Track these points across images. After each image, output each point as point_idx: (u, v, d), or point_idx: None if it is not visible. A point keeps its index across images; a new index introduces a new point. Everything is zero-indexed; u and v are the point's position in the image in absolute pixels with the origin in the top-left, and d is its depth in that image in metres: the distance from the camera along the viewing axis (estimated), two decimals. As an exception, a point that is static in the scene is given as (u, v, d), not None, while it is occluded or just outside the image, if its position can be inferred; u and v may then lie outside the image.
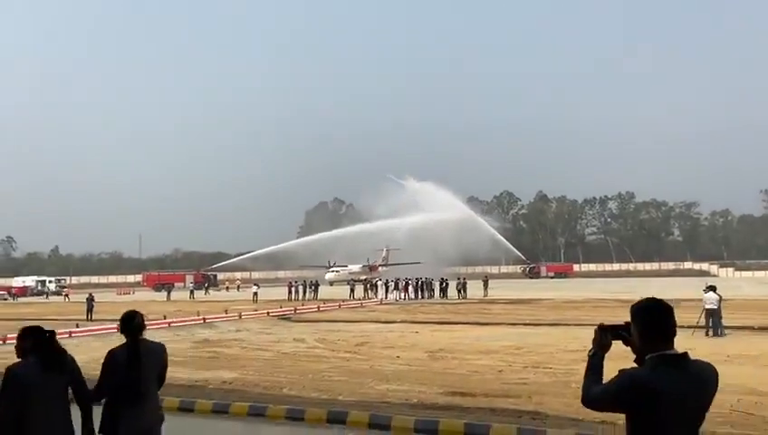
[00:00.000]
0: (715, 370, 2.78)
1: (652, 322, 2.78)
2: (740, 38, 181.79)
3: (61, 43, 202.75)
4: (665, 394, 2.55)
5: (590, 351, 3.00)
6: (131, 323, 4.67)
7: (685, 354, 2.70)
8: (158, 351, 4.80)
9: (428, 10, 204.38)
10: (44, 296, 68.25)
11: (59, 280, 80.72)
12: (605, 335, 2.98)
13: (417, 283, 46.04)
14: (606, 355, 3.02)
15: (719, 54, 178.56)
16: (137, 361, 4.55)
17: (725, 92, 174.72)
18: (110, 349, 4.63)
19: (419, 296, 44.46)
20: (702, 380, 2.69)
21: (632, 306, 2.91)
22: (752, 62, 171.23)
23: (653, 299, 2.87)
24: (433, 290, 45.59)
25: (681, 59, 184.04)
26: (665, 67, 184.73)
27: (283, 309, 31.74)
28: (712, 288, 17.93)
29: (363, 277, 65.01)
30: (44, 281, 78.84)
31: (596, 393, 2.78)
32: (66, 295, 65.05)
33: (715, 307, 17.45)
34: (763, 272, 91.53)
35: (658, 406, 2.55)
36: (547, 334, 18.73)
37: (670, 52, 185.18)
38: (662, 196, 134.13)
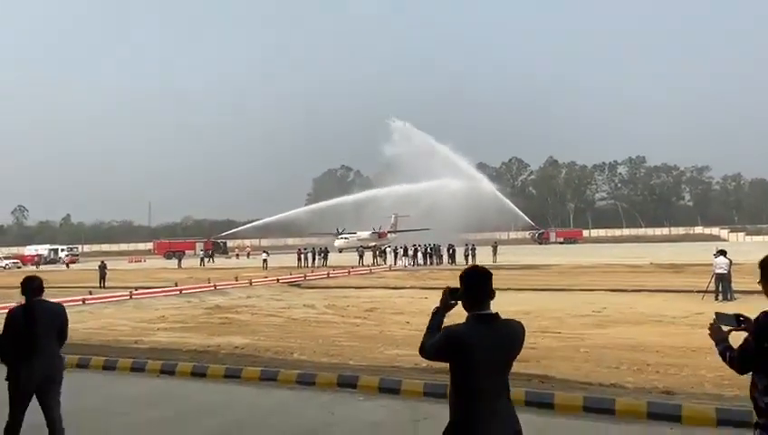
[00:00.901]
0: (523, 328, 3.27)
1: (470, 286, 3.24)
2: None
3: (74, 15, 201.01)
4: (476, 346, 3.04)
5: (434, 308, 3.39)
6: (29, 285, 5.27)
7: (495, 314, 3.17)
8: (57, 311, 5.41)
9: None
10: (63, 264, 68.94)
11: (71, 248, 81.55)
12: (449, 296, 3.34)
13: (425, 249, 46.15)
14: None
15: (732, 14, 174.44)
16: (32, 319, 5.15)
17: (738, 55, 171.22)
18: (9, 308, 5.29)
19: (428, 263, 44.62)
20: (508, 335, 3.18)
21: (461, 273, 3.37)
22: (765, 21, 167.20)
23: (474, 266, 3.38)
24: (441, 256, 45.70)
25: (692, 20, 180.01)
26: (674, 28, 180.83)
27: (293, 276, 31.99)
28: (722, 253, 17.84)
29: (372, 244, 65.20)
30: (57, 249, 79.75)
31: (428, 345, 3.22)
32: (67, 264, 65.80)
33: (725, 272, 17.39)
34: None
35: (470, 356, 3.04)
36: (556, 300, 18.78)
37: (681, 12, 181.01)
38: (673, 160, 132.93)
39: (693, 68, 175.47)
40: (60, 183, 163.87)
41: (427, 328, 3.30)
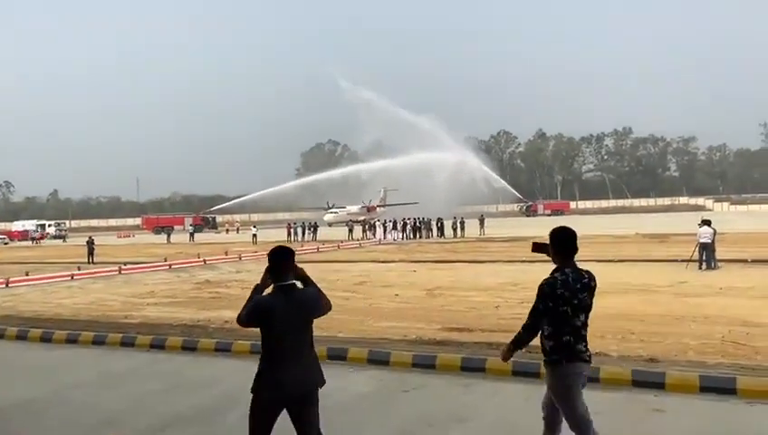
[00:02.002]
0: (317, 294, 4.00)
1: (272, 262, 3.93)
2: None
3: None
4: (277, 311, 3.77)
5: (255, 285, 3.96)
6: None
7: (292, 284, 3.92)
8: None
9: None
10: (62, 240, 68.72)
11: (58, 224, 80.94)
12: (265, 276, 3.95)
13: (414, 223, 46.27)
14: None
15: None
16: None
17: (724, 24, 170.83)
18: None
19: (417, 236, 44.78)
20: (302, 301, 3.91)
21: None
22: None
23: (278, 247, 4.03)
24: (431, 230, 45.86)
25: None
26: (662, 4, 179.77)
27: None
28: (706, 222, 18.04)
29: (362, 218, 65.24)
30: (44, 225, 79.09)
31: (243, 315, 3.87)
32: (36, 240, 65.37)
33: (709, 241, 17.61)
34: (758, 206, 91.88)
35: (273, 318, 3.77)
36: (542, 271, 18.53)
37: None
38: (660, 131, 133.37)
39: (679, 39, 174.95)
40: (46, 158, 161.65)
41: (246, 301, 3.91)
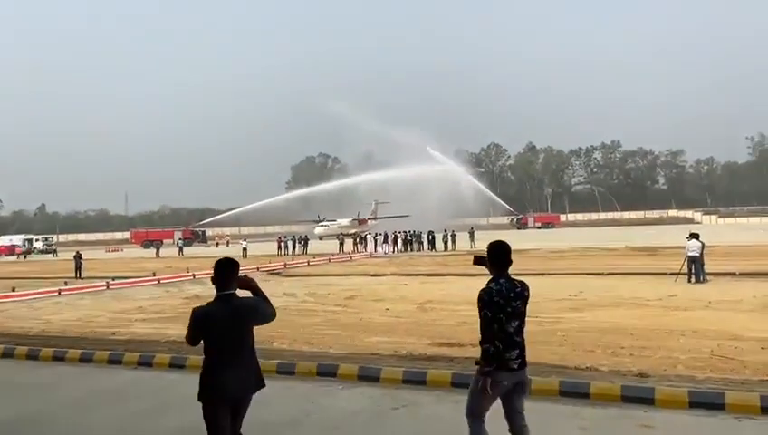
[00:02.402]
0: (255, 302, 4.27)
1: (216, 273, 4.24)
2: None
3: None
4: (215, 317, 4.08)
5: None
6: None
7: (233, 293, 4.19)
8: None
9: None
10: (53, 254, 68.08)
11: (46, 238, 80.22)
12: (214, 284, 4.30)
13: (405, 236, 46.27)
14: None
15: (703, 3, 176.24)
16: None
17: (710, 39, 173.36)
18: None
19: (408, 249, 44.77)
20: (241, 309, 4.19)
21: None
22: (738, 9, 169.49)
23: (223, 259, 4.28)
24: (422, 243, 45.86)
25: (667, 6, 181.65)
26: (652, 15, 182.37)
27: (273, 264, 31.87)
28: (695, 236, 18.16)
29: (353, 231, 65.15)
30: (31, 239, 78.35)
31: (187, 334, 4.15)
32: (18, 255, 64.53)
33: (697, 254, 17.72)
34: (746, 218, 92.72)
35: (212, 326, 4.07)
36: (534, 284, 18.58)
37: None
38: (649, 144, 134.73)
39: (666, 52, 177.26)
40: (34, 172, 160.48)
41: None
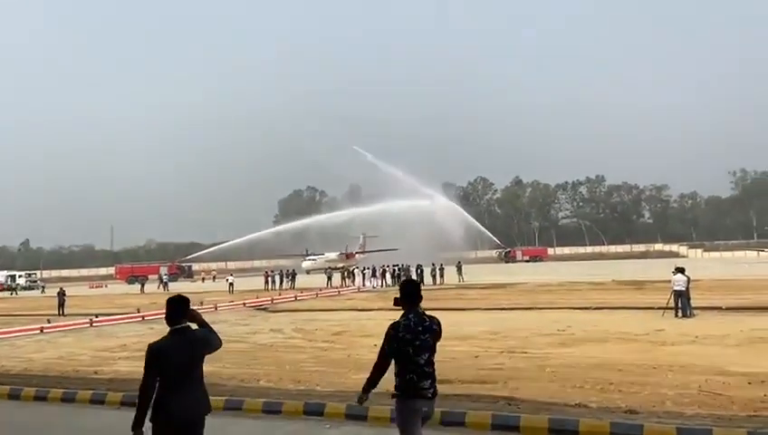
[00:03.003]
0: (206, 334, 4.56)
1: (168, 309, 4.50)
2: (706, 23, 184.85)
3: (26, 30, 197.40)
4: (170, 350, 4.33)
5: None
6: None
7: (186, 326, 4.47)
8: None
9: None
10: (41, 291, 66.67)
11: (29, 274, 79.11)
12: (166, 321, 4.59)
13: (394, 270, 46.17)
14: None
15: (687, 38, 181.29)
16: None
17: (693, 75, 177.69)
18: None
19: (397, 283, 44.59)
20: (194, 341, 4.48)
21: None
22: (717, 46, 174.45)
23: (174, 296, 4.57)
24: (409, 276, 45.71)
25: (649, 43, 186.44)
26: (633, 52, 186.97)
27: (260, 299, 31.60)
28: (680, 270, 18.29)
29: (340, 265, 64.95)
30: (14, 275, 77.24)
31: (143, 377, 4.33)
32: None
33: (683, 289, 17.83)
34: (730, 253, 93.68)
35: (167, 358, 4.30)
36: (522, 319, 18.98)
37: (637, 35, 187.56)
38: (633, 179, 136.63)
39: (647, 90, 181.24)
40: (18, 207, 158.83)
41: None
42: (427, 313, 4.82)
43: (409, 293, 4.78)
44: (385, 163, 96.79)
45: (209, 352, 4.59)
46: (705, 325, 15.64)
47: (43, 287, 68.12)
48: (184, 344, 4.41)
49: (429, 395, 4.62)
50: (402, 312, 4.78)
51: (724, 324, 15.67)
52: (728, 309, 19.04)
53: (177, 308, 4.53)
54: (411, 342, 4.57)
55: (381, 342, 4.67)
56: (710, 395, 8.26)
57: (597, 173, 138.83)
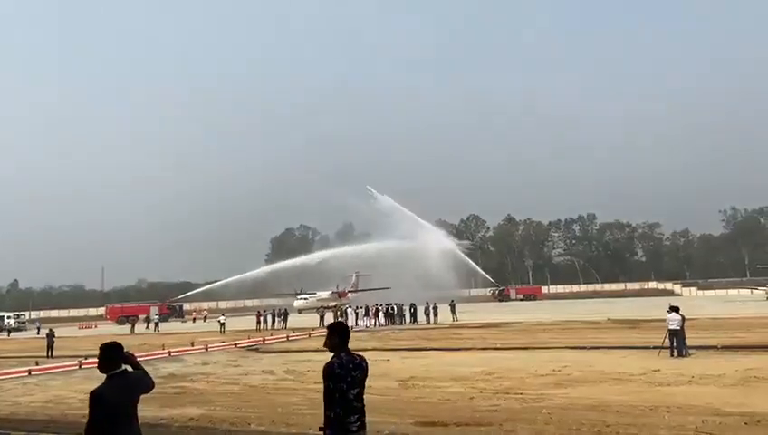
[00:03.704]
0: (141, 378, 4.73)
1: (102, 356, 4.65)
2: (692, 58, 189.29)
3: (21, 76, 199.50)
4: (109, 395, 4.43)
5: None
6: None
7: (124, 370, 4.62)
8: None
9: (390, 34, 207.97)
10: (6, 333, 65.40)
11: (18, 315, 77.89)
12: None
13: (387, 309, 45.84)
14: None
15: (678, 80, 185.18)
16: None
17: (683, 116, 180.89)
18: None
19: (390, 322, 44.26)
20: (131, 384, 4.64)
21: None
22: (705, 89, 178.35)
23: (108, 342, 4.74)
24: (403, 315, 45.44)
25: (642, 84, 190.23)
26: (622, 96, 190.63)
27: (252, 340, 31.22)
28: (675, 309, 18.28)
29: (333, 304, 64.45)
30: (2, 317, 76.03)
31: (86, 426, 4.43)
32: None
33: (678, 328, 17.79)
34: (724, 290, 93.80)
35: (106, 402, 4.40)
36: (517, 359, 18.82)
37: (625, 74, 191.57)
38: (624, 217, 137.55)
39: (638, 127, 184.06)
40: (7, 247, 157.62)
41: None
42: (357, 352, 5.19)
43: (339, 334, 5.16)
44: (389, 199, 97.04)
45: (144, 393, 4.80)
46: (701, 365, 15.55)
47: (39, 328, 66.64)
48: (123, 388, 4.59)
49: (354, 429, 4.89)
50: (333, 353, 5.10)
51: (720, 364, 15.59)
52: (723, 348, 18.98)
53: (114, 354, 4.70)
54: (344, 378, 4.92)
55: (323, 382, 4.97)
56: (707, 437, 8.17)
57: (588, 212, 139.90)
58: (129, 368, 4.73)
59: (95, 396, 4.44)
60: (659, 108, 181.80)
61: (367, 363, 5.20)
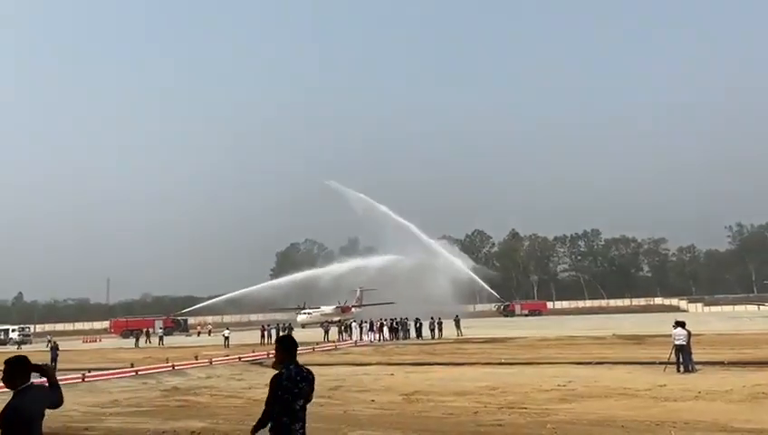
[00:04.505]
0: (53, 391, 4.78)
1: (12, 371, 4.61)
2: (699, 70, 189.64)
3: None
4: (25, 409, 4.48)
5: None
6: None
7: (31, 384, 4.61)
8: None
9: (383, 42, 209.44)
10: (17, 346, 65.01)
11: (22, 328, 77.92)
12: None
13: (391, 323, 45.69)
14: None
15: (682, 91, 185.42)
16: None
17: (690, 130, 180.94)
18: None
19: (394, 337, 44.08)
20: (39, 397, 4.63)
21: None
22: (712, 103, 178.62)
23: (14, 357, 4.68)
24: (408, 330, 45.25)
25: (646, 96, 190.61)
26: (629, 106, 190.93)
27: (256, 353, 31.09)
28: (681, 324, 18.14)
29: (337, 319, 64.26)
30: (7, 330, 76.08)
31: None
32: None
33: (684, 343, 17.64)
34: (731, 307, 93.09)
35: (20, 419, 4.44)
36: (522, 374, 18.69)
37: (634, 85, 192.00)
38: (630, 232, 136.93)
39: (644, 144, 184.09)
40: (12, 260, 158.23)
41: None
42: (306, 366, 5.42)
43: (288, 347, 5.41)
44: (397, 215, 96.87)
45: (52, 408, 4.85)
46: (708, 381, 15.40)
47: (50, 339, 65.65)
48: (32, 402, 4.62)
49: None
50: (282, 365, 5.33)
51: (727, 380, 15.44)
52: (730, 364, 18.81)
53: (21, 369, 4.71)
54: (291, 390, 5.16)
55: (269, 396, 5.14)
56: (715, 453, 8.07)
57: (592, 227, 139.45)
58: (39, 380, 4.81)
59: (11, 408, 4.46)
60: (667, 113, 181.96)
61: (314, 376, 5.45)
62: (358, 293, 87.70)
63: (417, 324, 45.13)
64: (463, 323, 46.48)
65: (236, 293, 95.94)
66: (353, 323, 48.96)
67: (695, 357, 17.98)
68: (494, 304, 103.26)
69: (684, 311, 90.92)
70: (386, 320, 46.47)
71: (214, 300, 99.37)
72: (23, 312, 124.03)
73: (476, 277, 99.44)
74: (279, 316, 76.13)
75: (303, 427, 5.26)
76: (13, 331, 75.57)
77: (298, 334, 50.71)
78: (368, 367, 23.63)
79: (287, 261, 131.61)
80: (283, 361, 5.35)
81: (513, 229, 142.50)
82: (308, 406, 5.14)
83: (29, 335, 76.88)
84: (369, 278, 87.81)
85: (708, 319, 55.82)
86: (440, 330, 43.40)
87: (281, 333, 48.11)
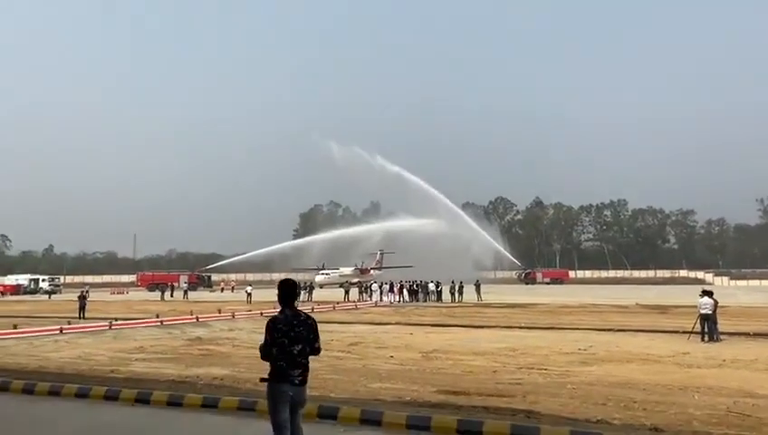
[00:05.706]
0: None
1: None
2: (734, 48, 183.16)
3: (66, 45, 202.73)
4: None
5: None
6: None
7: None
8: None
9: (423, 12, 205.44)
10: (47, 296, 66.76)
11: (52, 279, 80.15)
12: None
13: (411, 286, 45.88)
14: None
15: (717, 65, 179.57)
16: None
17: (723, 104, 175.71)
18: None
19: (414, 299, 44.33)
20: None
21: None
22: (747, 74, 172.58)
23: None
24: (428, 293, 45.42)
25: (681, 68, 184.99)
26: (662, 78, 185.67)
27: (277, 310, 31.51)
28: (707, 293, 17.83)
29: (355, 280, 64.77)
30: (38, 279, 78.31)
31: None
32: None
33: (710, 312, 17.35)
34: (758, 281, 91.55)
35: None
36: (542, 337, 18.61)
37: (668, 61, 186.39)
38: (658, 203, 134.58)
39: (676, 114, 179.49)
40: (44, 213, 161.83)
41: None
42: (305, 311, 5.45)
43: (285, 290, 5.37)
44: (411, 175, 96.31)
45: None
46: (733, 350, 15.16)
47: (86, 289, 63.73)
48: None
49: (297, 382, 5.15)
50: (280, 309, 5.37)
51: (753, 350, 15.19)
52: (756, 335, 18.50)
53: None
54: (287, 333, 5.15)
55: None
56: (739, 416, 7.93)
57: (619, 197, 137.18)
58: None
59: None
60: (702, 88, 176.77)
61: (314, 321, 5.36)
62: (378, 255, 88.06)
63: (437, 287, 45.27)
64: (483, 288, 46.42)
65: (258, 251, 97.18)
66: (374, 285, 49.31)
67: (720, 327, 17.71)
68: (514, 272, 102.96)
69: (709, 284, 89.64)
70: (406, 282, 46.65)
71: (237, 258, 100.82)
72: (53, 263, 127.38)
73: (499, 246, 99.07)
74: (300, 276, 77.04)
75: (303, 374, 5.20)
76: (43, 280, 77.80)
77: (320, 294, 51.39)
78: (387, 326, 23.78)
79: (310, 222, 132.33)
80: (281, 305, 5.36)
81: (537, 197, 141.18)
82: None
83: (59, 286, 79.14)
84: (390, 241, 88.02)
85: (734, 292, 54.96)
86: (461, 293, 43.46)
87: (302, 292, 48.90)
